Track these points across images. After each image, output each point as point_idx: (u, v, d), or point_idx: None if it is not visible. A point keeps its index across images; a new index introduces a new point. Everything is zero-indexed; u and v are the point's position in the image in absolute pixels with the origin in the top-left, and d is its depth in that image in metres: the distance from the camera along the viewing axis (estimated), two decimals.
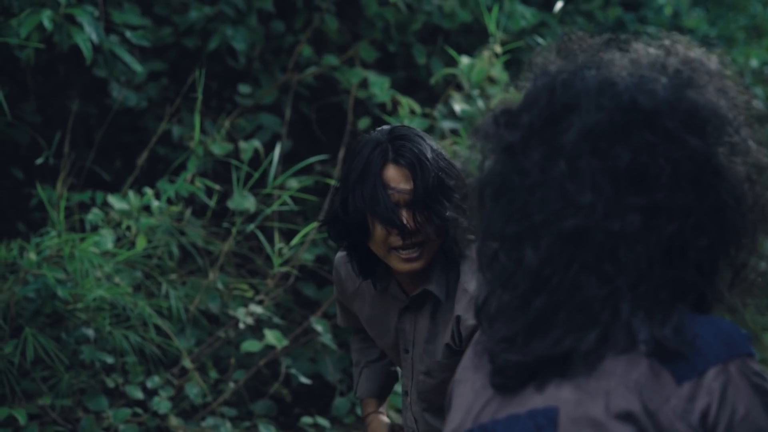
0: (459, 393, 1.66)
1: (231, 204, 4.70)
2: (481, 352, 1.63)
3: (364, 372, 3.11)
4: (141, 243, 4.40)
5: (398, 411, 4.63)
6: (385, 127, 2.76)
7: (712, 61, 1.63)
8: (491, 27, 5.14)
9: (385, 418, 3.09)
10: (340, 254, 2.92)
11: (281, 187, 4.88)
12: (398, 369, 3.12)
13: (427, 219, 2.65)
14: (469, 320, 2.67)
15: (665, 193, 1.53)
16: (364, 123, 5.22)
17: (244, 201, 4.69)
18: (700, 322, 1.54)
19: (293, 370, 4.76)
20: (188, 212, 4.71)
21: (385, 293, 2.84)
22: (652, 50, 1.63)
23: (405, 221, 2.64)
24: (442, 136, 5.00)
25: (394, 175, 2.66)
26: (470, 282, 2.68)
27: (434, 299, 2.76)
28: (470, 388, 1.63)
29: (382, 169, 2.66)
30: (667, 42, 1.64)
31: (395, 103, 5.10)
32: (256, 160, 4.94)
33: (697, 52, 1.63)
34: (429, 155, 2.67)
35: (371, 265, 2.79)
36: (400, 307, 2.82)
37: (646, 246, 1.53)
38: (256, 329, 4.74)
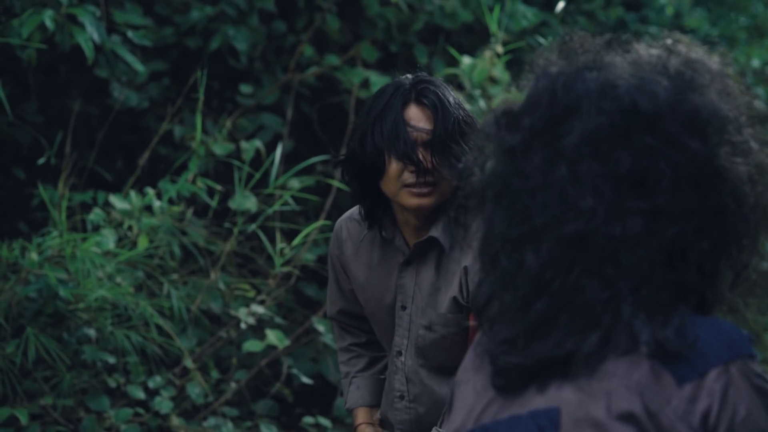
0: (460, 394, 1.66)
1: (232, 204, 4.70)
2: (481, 353, 1.63)
3: (354, 382, 3.07)
4: (142, 243, 4.40)
5: None
6: (409, 74, 2.82)
7: (714, 62, 1.63)
8: (493, 27, 5.14)
9: (378, 429, 3.04)
10: (342, 217, 2.97)
11: (283, 187, 4.88)
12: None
13: (443, 160, 2.70)
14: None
15: (666, 196, 1.53)
16: None
17: (245, 201, 4.70)
18: (702, 324, 1.54)
19: (295, 370, 4.76)
20: (190, 212, 4.71)
21: (387, 247, 2.86)
22: (653, 51, 1.63)
23: (421, 158, 2.70)
24: None
25: (415, 114, 2.73)
26: None
27: (438, 249, 2.79)
28: (471, 389, 1.63)
29: (403, 108, 2.73)
30: (669, 42, 1.64)
31: None
32: (257, 160, 4.94)
33: (698, 53, 1.63)
34: (451, 100, 2.74)
35: (380, 213, 2.83)
36: (401, 260, 2.84)
37: (647, 249, 1.53)
38: (258, 329, 4.74)
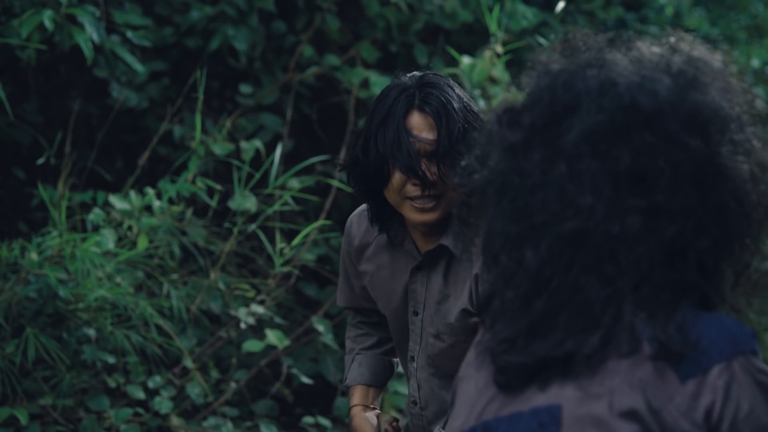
0: (462, 390, 1.66)
1: (232, 204, 4.70)
2: (483, 351, 1.63)
3: (357, 358, 2.96)
4: (142, 243, 4.40)
5: (400, 410, 4.63)
6: (416, 73, 2.68)
7: (717, 60, 1.62)
8: (492, 27, 5.14)
9: (370, 414, 2.89)
10: (354, 213, 2.87)
11: (282, 187, 4.88)
12: (395, 360, 3.00)
13: (448, 171, 2.57)
14: None
15: (665, 194, 1.53)
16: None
17: (245, 201, 4.69)
18: (704, 320, 1.54)
19: (295, 370, 4.76)
20: (189, 212, 4.71)
21: (397, 250, 2.77)
22: (655, 49, 1.63)
23: (425, 171, 2.57)
24: None
25: (418, 123, 2.59)
26: None
27: (448, 258, 2.69)
28: (473, 386, 1.63)
29: (406, 115, 2.59)
30: (671, 40, 1.64)
31: None
32: (257, 160, 4.94)
33: (701, 51, 1.63)
34: (456, 105, 2.60)
35: (387, 216, 2.72)
36: (412, 265, 2.74)
37: (646, 247, 1.53)
38: (258, 329, 4.73)
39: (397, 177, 2.60)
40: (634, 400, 1.49)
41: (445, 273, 2.71)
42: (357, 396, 2.92)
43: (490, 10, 5.37)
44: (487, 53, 5.11)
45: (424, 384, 2.80)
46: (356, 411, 2.91)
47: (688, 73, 1.59)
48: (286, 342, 4.55)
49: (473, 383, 1.63)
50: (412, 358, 2.80)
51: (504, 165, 1.61)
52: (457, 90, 2.65)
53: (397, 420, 2.88)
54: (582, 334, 1.53)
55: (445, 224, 2.67)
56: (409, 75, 2.68)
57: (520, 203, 1.58)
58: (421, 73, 2.68)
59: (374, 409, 2.93)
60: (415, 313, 2.76)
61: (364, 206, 2.85)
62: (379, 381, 2.97)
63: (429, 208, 2.61)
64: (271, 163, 4.85)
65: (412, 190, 2.60)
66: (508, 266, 1.58)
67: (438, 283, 2.72)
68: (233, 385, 4.59)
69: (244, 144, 4.91)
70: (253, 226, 4.71)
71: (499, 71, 5.09)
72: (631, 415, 1.49)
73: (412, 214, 2.63)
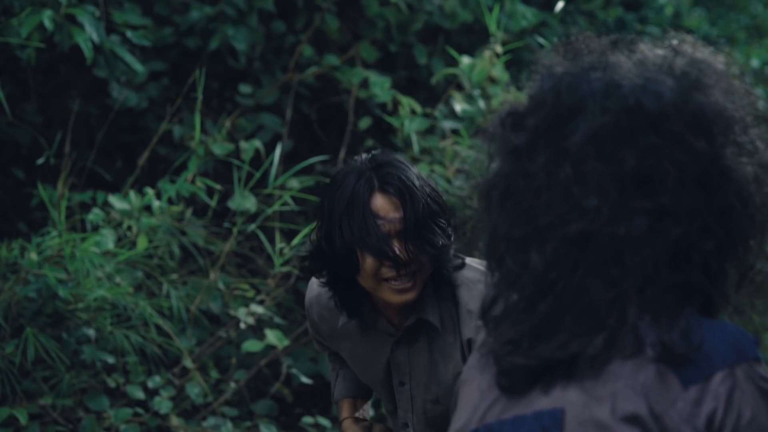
0: (465, 393, 1.66)
1: (232, 204, 4.70)
2: (486, 353, 1.63)
3: (340, 374, 2.97)
4: (142, 243, 4.40)
5: None
6: (365, 155, 2.64)
7: (719, 62, 1.62)
8: (492, 27, 5.14)
9: (358, 426, 2.92)
10: (309, 297, 2.81)
11: (282, 187, 4.88)
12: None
13: (419, 247, 2.55)
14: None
15: (671, 196, 1.53)
16: (365, 123, 5.23)
17: (245, 201, 4.69)
18: (708, 326, 1.54)
19: (294, 370, 4.76)
20: (189, 212, 4.71)
21: (370, 330, 2.74)
22: (659, 51, 1.63)
23: (397, 252, 2.54)
24: (443, 136, 5.00)
25: (382, 205, 2.55)
26: (473, 303, 2.61)
27: (428, 329, 2.67)
28: (476, 388, 1.63)
29: (369, 199, 2.54)
30: (674, 42, 1.64)
31: (396, 103, 5.10)
32: (257, 160, 4.94)
33: (704, 53, 1.63)
34: (417, 182, 2.57)
35: (354, 301, 2.69)
36: (390, 340, 2.71)
37: (652, 249, 1.53)
38: (257, 329, 4.73)
39: (369, 262, 2.56)
40: (636, 405, 1.49)
41: (429, 341, 2.69)
42: (345, 409, 2.95)
43: (490, 10, 5.37)
44: (487, 53, 5.11)
45: None
46: (347, 424, 2.93)
47: (691, 74, 1.59)
48: (286, 342, 4.54)
49: (476, 385, 1.63)
50: (406, 425, 2.79)
51: (508, 168, 1.60)
52: (411, 166, 2.63)
53: (390, 430, 2.90)
54: (586, 336, 1.52)
55: (420, 297, 2.64)
56: (356, 158, 2.65)
57: (524, 206, 1.57)
58: (370, 155, 2.64)
59: (364, 420, 2.95)
60: (401, 384, 2.75)
61: (315, 287, 2.79)
62: (365, 392, 2.98)
63: (409, 288, 2.58)
64: (271, 163, 4.85)
65: (387, 271, 2.57)
66: (513, 269, 1.58)
67: (424, 353, 2.70)
68: (233, 385, 4.59)
69: (243, 144, 4.91)
70: (252, 226, 4.70)
71: (498, 71, 5.09)
72: (633, 419, 1.48)
73: (392, 296, 2.59)
